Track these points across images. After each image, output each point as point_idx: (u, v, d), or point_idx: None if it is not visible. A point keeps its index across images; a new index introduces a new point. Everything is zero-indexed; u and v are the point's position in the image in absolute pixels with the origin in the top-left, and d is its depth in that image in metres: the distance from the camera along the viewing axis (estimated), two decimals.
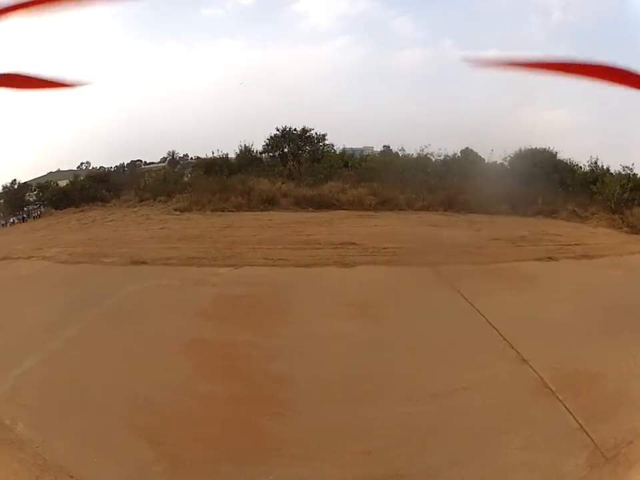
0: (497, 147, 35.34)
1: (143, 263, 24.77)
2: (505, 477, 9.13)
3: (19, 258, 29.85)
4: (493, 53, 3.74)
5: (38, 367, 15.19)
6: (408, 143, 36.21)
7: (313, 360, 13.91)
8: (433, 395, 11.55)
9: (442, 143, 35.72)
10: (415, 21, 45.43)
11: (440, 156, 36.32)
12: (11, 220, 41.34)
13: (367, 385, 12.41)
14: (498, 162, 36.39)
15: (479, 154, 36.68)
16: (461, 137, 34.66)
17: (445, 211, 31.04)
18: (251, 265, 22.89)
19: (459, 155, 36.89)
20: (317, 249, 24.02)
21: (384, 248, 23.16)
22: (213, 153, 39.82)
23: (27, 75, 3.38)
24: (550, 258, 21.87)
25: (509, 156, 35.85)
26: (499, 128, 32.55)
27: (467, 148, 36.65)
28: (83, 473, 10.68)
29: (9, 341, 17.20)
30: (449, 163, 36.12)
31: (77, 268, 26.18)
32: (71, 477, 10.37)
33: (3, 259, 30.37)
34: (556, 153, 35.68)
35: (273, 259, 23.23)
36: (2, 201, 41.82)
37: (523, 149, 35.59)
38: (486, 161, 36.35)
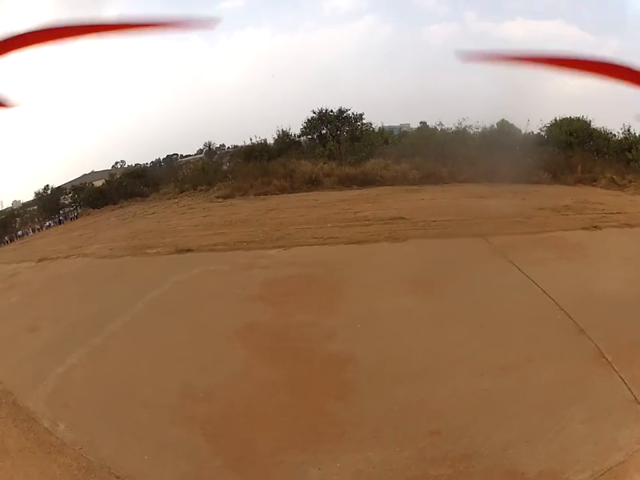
0: (532, 117, 33.71)
1: (189, 250, 24.35)
2: (570, 452, 8.85)
3: (57, 258, 29.15)
4: (490, 48, 3.02)
5: (80, 363, 14.61)
6: (445, 118, 34.89)
7: (375, 338, 13.30)
8: (503, 368, 11.06)
9: (478, 116, 34.31)
10: None
11: (478, 128, 34.71)
12: (47, 224, 40.55)
13: (436, 361, 11.89)
14: (535, 132, 34.94)
15: (515, 125, 34.71)
16: (496, 108, 32.61)
17: (488, 182, 29.17)
18: (301, 245, 22.18)
19: (495, 127, 34.91)
20: (367, 225, 23.15)
21: (433, 221, 22.27)
22: (250, 139, 38.65)
23: None
24: (595, 227, 20.95)
25: (544, 125, 34.62)
26: (532, 97, 30.33)
27: (503, 120, 34.65)
28: (132, 472, 10.08)
29: (50, 340, 16.70)
30: (487, 135, 34.30)
31: (120, 262, 25.52)
32: (118, 477, 10.00)
33: (41, 260, 29.68)
34: (590, 121, 34.04)
35: (322, 238, 22.45)
36: (35, 207, 41.25)
37: (557, 118, 34.39)
38: (522, 132, 34.48)
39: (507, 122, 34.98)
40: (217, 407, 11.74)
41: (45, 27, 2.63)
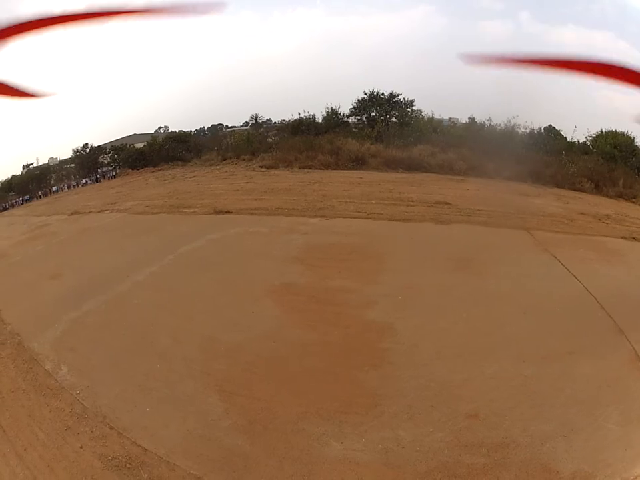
0: (579, 125, 32.42)
1: (227, 212, 24.02)
2: (603, 454, 8.09)
3: (90, 212, 29.15)
4: (493, 50, 3.34)
5: (97, 309, 14.59)
6: (494, 115, 33.57)
7: (416, 311, 12.74)
8: (544, 357, 10.42)
9: (527, 116, 32.49)
10: None
11: (526, 129, 33.28)
12: (84, 181, 39.79)
13: (477, 342, 11.19)
14: (580, 140, 33.36)
15: (561, 132, 33.82)
16: (545, 112, 31.65)
17: (533, 182, 27.85)
18: (344, 217, 21.50)
19: (543, 131, 34.00)
20: (411, 205, 22.36)
21: (478, 210, 21.41)
22: (299, 114, 38.00)
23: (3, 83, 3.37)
24: (634, 238, 19.69)
25: (590, 135, 32.89)
26: (580, 106, 30.71)
27: (550, 125, 34.02)
28: (128, 425, 9.61)
29: (70, 287, 16.55)
30: (535, 137, 33.10)
31: (155, 218, 25.35)
32: (111, 428, 9.54)
33: (73, 213, 29.68)
34: (633, 137, 32.14)
35: (366, 212, 21.69)
36: (73, 165, 40.54)
37: (603, 130, 32.47)
38: (568, 139, 33.34)
39: (554, 128, 34.33)
40: (238, 365, 11.14)
41: (49, 14, 2.93)
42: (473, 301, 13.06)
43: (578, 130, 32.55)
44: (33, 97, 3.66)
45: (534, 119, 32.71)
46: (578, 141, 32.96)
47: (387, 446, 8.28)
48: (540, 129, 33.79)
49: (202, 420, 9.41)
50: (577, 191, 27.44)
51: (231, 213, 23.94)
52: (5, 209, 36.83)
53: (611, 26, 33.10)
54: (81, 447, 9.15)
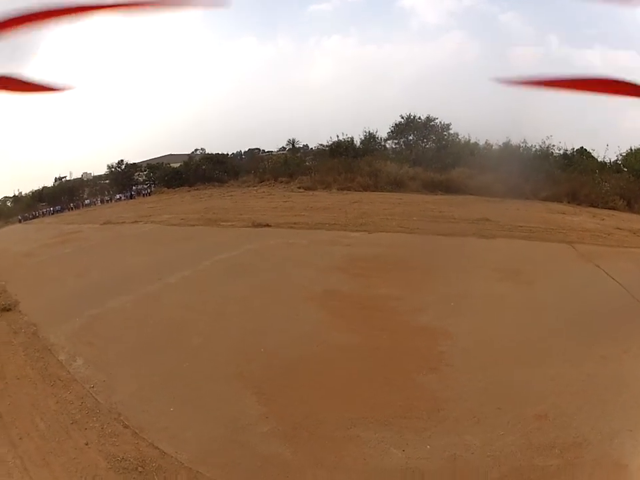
0: (610, 144, 31.75)
1: (267, 225, 23.47)
2: None
3: (123, 223, 29.55)
4: (522, 72, 3.23)
5: (121, 307, 14.08)
6: (528, 136, 32.78)
7: (469, 316, 11.88)
8: (603, 357, 9.74)
9: (560, 137, 32.52)
10: (521, 17, 40.58)
11: (560, 150, 32.89)
12: (117, 197, 39.94)
13: (533, 346, 10.43)
14: (612, 159, 32.96)
15: (592, 152, 33.07)
16: (577, 132, 31.84)
17: (568, 202, 27.52)
18: (386, 232, 20.81)
19: (575, 153, 33.25)
20: (453, 222, 21.91)
21: (519, 226, 20.81)
22: (337, 136, 37.71)
23: (17, 78, 3.14)
24: None
25: (620, 154, 32.20)
26: (611, 126, 31.66)
27: (582, 147, 33.21)
28: (145, 425, 8.48)
29: (95, 285, 16.50)
30: (569, 157, 32.78)
31: (191, 229, 25.44)
32: (125, 426, 8.45)
33: (105, 223, 30.16)
34: None
35: (408, 228, 21.17)
36: (107, 181, 40.72)
37: (633, 148, 32.00)
38: (600, 159, 32.61)
39: (585, 150, 33.51)
40: (277, 367, 10.14)
41: (45, 7, 2.69)
42: (524, 308, 12.32)
43: (609, 149, 31.91)
44: (48, 91, 3.32)
45: (565, 139, 32.46)
46: (610, 160, 32.34)
47: (455, 452, 7.27)
48: (573, 149, 33.29)
49: (235, 424, 8.27)
50: (610, 209, 26.90)
51: (270, 226, 23.33)
52: (35, 217, 37.43)
53: (634, 45, 32.97)
54: (86, 444, 8.07)
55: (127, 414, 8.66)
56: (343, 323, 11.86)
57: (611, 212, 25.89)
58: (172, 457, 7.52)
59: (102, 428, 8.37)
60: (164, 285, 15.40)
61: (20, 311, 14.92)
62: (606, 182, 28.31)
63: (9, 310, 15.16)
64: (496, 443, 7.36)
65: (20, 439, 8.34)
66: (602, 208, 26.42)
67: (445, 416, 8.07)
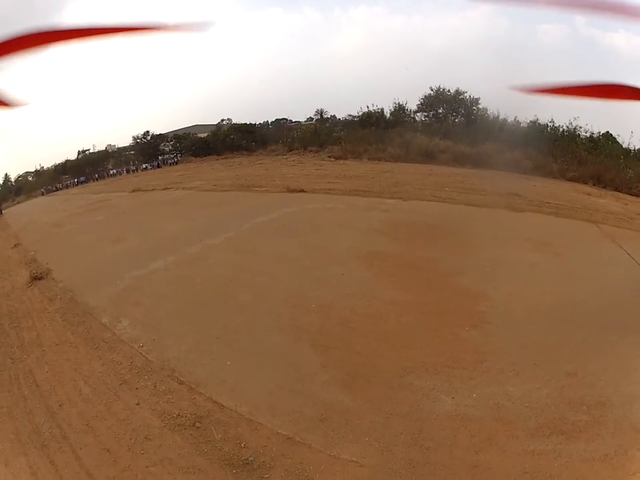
0: (636, 131, 31.03)
1: (302, 191, 23.44)
2: None
3: (153, 190, 29.30)
4: (544, 81, 3.21)
5: (165, 268, 14.19)
6: (556, 116, 32.80)
7: (505, 281, 12.29)
8: (625, 327, 10.07)
9: (587, 121, 32.09)
10: None
11: (587, 132, 32.19)
12: (144, 166, 39.33)
13: (564, 311, 10.87)
14: (636, 147, 31.82)
15: (617, 137, 32.46)
16: (604, 118, 30.90)
17: (594, 184, 27.10)
18: (420, 200, 21.06)
19: (600, 137, 33.18)
20: (483, 195, 21.64)
21: (547, 202, 20.93)
22: (367, 107, 37.07)
23: None
24: None
25: None
26: (637, 113, 26.58)
27: (608, 132, 32.67)
28: (202, 379, 8.59)
29: (134, 249, 16.49)
30: (595, 141, 31.90)
31: (224, 194, 25.26)
32: (180, 382, 8.53)
33: (134, 190, 29.79)
34: None
35: (441, 197, 21.35)
36: (132, 152, 40.00)
37: None
38: (624, 146, 32.02)
39: (611, 135, 32.82)
40: (331, 319, 10.36)
41: (47, 29, 2.72)
42: (555, 276, 12.75)
43: (634, 135, 31.26)
44: (6, 107, 3.27)
45: (592, 123, 32.20)
46: (634, 148, 31.54)
47: (498, 401, 7.85)
48: (599, 133, 32.67)
49: (294, 374, 8.51)
50: (634, 195, 26.34)
51: (305, 191, 23.28)
52: (58, 189, 36.84)
53: None
54: (138, 404, 8.12)
55: (182, 370, 8.72)
56: (390, 280, 12.15)
57: (635, 198, 25.66)
58: (231, 409, 7.64)
59: (154, 386, 8.40)
60: (207, 246, 15.41)
61: (53, 279, 14.71)
62: (630, 168, 27.99)
63: (40, 278, 14.99)
64: (533, 394, 7.87)
65: (60, 406, 8.29)
66: (625, 193, 26.28)
67: (488, 367, 8.59)
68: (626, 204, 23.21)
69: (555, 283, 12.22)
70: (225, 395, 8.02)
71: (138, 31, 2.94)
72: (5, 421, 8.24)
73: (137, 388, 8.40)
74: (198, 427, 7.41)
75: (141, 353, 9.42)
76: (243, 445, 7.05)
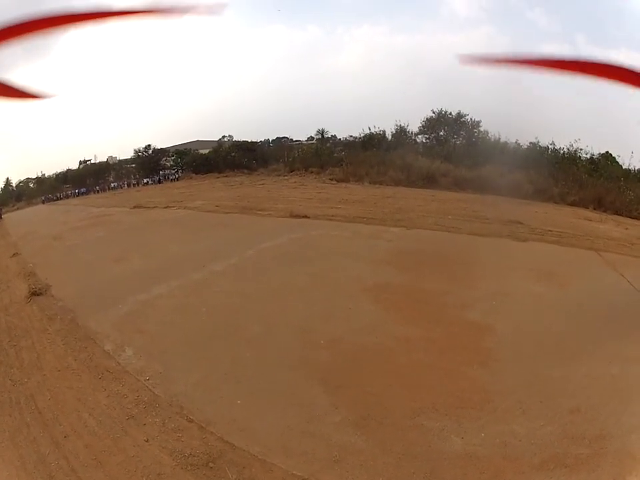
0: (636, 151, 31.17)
1: (305, 217, 23.47)
2: None
3: (155, 207, 29.33)
4: (491, 51, 2.88)
5: (169, 293, 13.95)
6: (556, 138, 33.00)
7: (512, 314, 12.43)
8: (627, 359, 10.21)
9: (588, 142, 32.38)
10: (548, 15, 41.91)
11: (587, 154, 32.95)
12: (145, 181, 39.86)
13: (569, 344, 10.99)
14: (636, 167, 32.28)
15: (617, 158, 32.82)
16: (603, 138, 31.93)
17: (594, 208, 27.45)
18: (424, 229, 21.10)
19: (600, 158, 33.21)
20: (486, 223, 22.01)
21: (549, 230, 21.13)
22: (369, 128, 37.69)
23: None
24: None
25: None
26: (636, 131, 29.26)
27: (607, 152, 33.07)
28: (212, 417, 8.35)
29: (137, 270, 16.35)
30: (595, 162, 32.80)
31: (227, 216, 25.25)
32: (190, 420, 8.30)
33: (136, 207, 29.80)
34: None
35: (445, 226, 21.42)
36: (133, 165, 40.55)
37: None
38: (624, 166, 32.35)
39: (611, 155, 33.34)
40: (341, 356, 10.30)
41: (48, 14, 2.57)
42: (559, 309, 12.80)
43: (634, 156, 31.60)
44: (32, 99, 3.09)
45: (592, 144, 32.45)
46: (634, 168, 32.09)
47: (505, 440, 7.89)
48: (599, 154, 33.30)
49: (305, 414, 8.36)
50: (634, 218, 26.71)
51: (309, 217, 23.34)
52: (59, 199, 37.14)
53: None
54: (147, 440, 7.87)
55: (190, 407, 8.50)
56: (398, 315, 12.09)
57: (635, 221, 25.89)
58: (244, 450, 7.49)
59: (163, 423, 8.16)
60: (210, 272, 15.22)
61: (53, 296, 14.54)
62: (630, 190, 28.11)
63: (39, 294, 14.79)
64: (538, 432, 7.94)
65: (65, 437, 8.07)
66: (626, 216, 26.42)
67: (495, 407, 8.60)
68: (626, 228, 23.38)
69: (559, 315, 12.30)
70: (236, 434, 7.86)
71: (144, 14, 2.79)
72: (8, 446, 8.06)
73: (144, 424, 8.23)
74: (211, 467, 7.23)
75: (147, 387, 9.22)
76: None
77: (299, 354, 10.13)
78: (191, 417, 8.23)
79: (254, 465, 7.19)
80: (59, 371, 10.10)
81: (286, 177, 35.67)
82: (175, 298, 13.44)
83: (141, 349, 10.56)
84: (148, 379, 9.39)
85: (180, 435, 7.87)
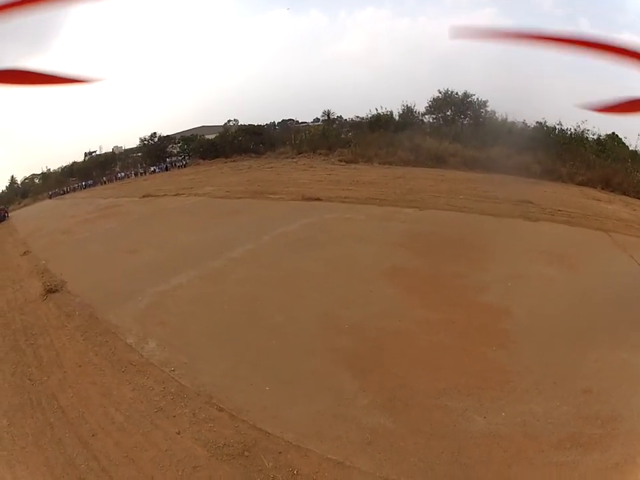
0: None
1: (317, 199, 23.53)
2: None
3: (165, 195, 28.92)
4: (485, 25, 3.31)
5: (188, 283, 14.06)
6: (563, 118, 31.89)
7: (526, 296, 12.65)
8: (635, 345, 10.45)
9: (595, 123, 31.62)
10: None
11: (594, 135, 31.85)
12: (152, 169, 39.19)
13: (581, 328, 11.25)
14: None
15: (623, 140, 31.81)
16: (607, 120, 29.78)
17: (602, 188, 27.27)
18: (436, 209, 21.29)
19: (607, 139, 32.07)
20: (497, 203, 21.95)
21: (559, 210, 21.16)
22: (376, 109, 36.98)
23: (33, 71, 3.22)
24: None
25: None
26: None
27: (613, 133, 31.91)
28: (243, 404, 8.58)
29: (152, 261, 16.30)
30: (602, 143, 31.70)
31: (238, 202, 25.01)
32: (220, 409, 8.45)
33: (145, 196, 29.40)
34: None
35: (457, 206, 21.56)
36: (139, 153, 39.76)
37: None
38: (631, 148, 31.25)
39: (617, 135, 32.51)
40: (365, 341, 10.45)
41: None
42: (571, 291, 13.06)
43: None
44: (81, 83, 3.50)
45: (599, 125, 31.61)
46: None
47: (525, 419, 8.30)
48: (605, 135, 32.49)
49: (334, 399, 8.63)
50: None
51: (321, 200, 23.37)
52: (65, 193, 36.58)
53: None
54: (178, 433, 8.01)
55: (220, 396, 8.68)
56: (417, 299, 12.30)
57: None
58: (278, 437, 7.68)
59: (193, 414, 8.33)
60: (228, 259, 15.53)
61: (69, 292, 14.53)
62: (637, 172, 28.10)
63: (55, 291, 14.79)
64: (554, 412, 8.35)
65: (93, 435, 8.12)
66: (633, 197, 26.41)
67: (514, 387, 8.99)
68: (634, 209, 23.56)
69: (571, 297, 12.56)
70: (269, 421, 8.05)
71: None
72: (33, 451, 8.07)
73: (174, 416, 8.35)
74: (247, 456, 7.42)
75: (173, 378, 9.33)
76: (295, 472, 7.15)
77: (323, 340, 10.32)
78: (221, 406, 8.37)
79: (289, 451, 7.41)
80: (80, 367, 10.19)
81: (294, 160, 35.21)
82: (194, 288, 13.53)
83: (164, 341, 10.71)
84: (173, 370, 9.54)
85: (212, 424, 8.05)
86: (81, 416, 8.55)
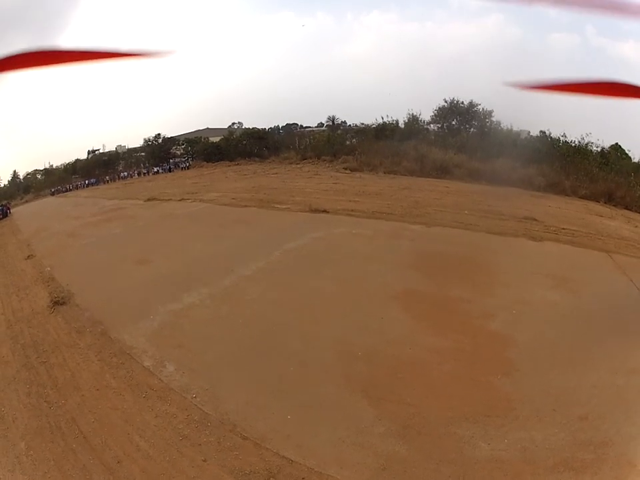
0: None
1: (324, 211, 23.93)
2: None
3: (170, 200, 29.04)
4: (536, 77, 3.49)
5: (202, 303, 14.08)
6: (567, 130, 33.56)
7: (530, 323, 12.93)
8: (631, 370, 10.74)
9: (597, 134, 32.82)
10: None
11: (597, 147, 33.36)
12: (155, 170, 40.04)
13: (580, 354, 11.52)
14: None
15: (626, 150, 33.51)
16: (611, 131, 32.35)
17: (605, 202, 28.07)
18: (443, 226, 21.61)
19: (609, 150, 33.51)
20: (502, 220, 22.51)
21: (563, 228, 21.61)
22: (382, 118, 38.16)
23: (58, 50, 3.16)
24: None
25: None
26: None
27: (617, 144, 33.46)
28: (267, 433, 8.75)
29: (163, 275, 16.36)
30: (605, 155, 33.06)
31: (245, 210, 25.38)
32: (244, 438, 8.62)
33: (149, 199, 29.53)
34: None
35: (463, 223, 21.87)
36: (143, 153, 40.68)
37: None
38: (634, 160, 33.20)
39: (620, 147, 33.79)
40: (379, 369, 10.70)
41: (39, 50, 2.88)
42: (574, 317, 13.29)
43: None
44: (151, 56, 3.55)
45: (602, 137, 32.78)
46: None
47: (525, 445, 8.61)
48: (609, 147, 33.57)
49: (353, 427, 8.92)
50: None
51: (328, 212, 23.81)
52: (68, 190, 37.08)
53: None
54: (205, 460, 8.14)
55: (243, 424, 8.85)
56: (427, 325, 12.54)
57: None
58: (301, 464, 7.94)
59: (218, 442, 8.44)
60: (239, 277, 15.58)
61: (77, 305, 14.52)
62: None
63: (62, 304, 14.71)
64: (552, 438, 8.62)
65: (118, 462, 8.14)
66: (635, 212, 26.97)
67: (516, 415, 9.25)
68: (635, 226, 23.95)
69: (571, 324, 12.82)
70: (292, 449, 8.26)
71: (114, 57, 3.23)
72: (57, 476, 8.08)
73: (199, 444, 8.44)
74: None
75: (195, 405, 9.41)
76: None
77: (339, 367, 10.52)
78: (245, 435, 8.54)
79: (312, 477, 7.70)
80: (98, 390, 10.21)
81: (299, 166, 35.81)
82: (208, 308, 13.58)
83: (182, 365, 10.80)
84: (195, 397, 9.62)
85: (237, 453, 8.16)
86: (104, 442, 8.64)
